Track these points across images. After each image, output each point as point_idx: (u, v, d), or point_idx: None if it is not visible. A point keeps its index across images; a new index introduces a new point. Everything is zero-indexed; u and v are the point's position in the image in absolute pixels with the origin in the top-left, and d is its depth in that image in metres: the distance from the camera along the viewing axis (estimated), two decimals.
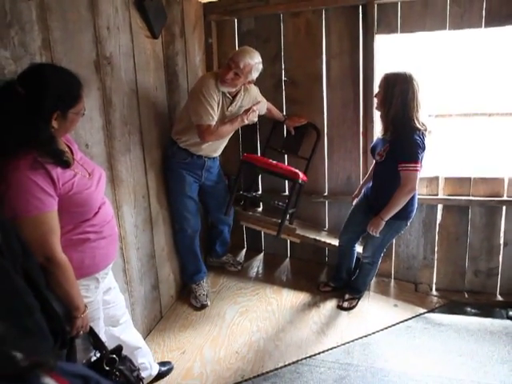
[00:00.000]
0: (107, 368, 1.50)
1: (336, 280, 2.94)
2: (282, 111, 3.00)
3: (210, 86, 2.39)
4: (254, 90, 2.70)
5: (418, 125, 2.23)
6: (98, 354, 1.55)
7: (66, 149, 1.44)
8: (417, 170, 2.26)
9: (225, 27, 3.08)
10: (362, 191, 2.70)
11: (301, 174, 2.72)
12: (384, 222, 2.40)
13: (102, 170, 1.59)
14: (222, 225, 3.02)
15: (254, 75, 2.48)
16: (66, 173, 1.35)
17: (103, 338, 1.67)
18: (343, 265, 2.89)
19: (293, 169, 2.77)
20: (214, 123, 2.39)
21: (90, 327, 1.48)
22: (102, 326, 1.66)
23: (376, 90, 2.49)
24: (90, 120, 1.87)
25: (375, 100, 2.39)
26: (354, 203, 2.75)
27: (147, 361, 2.04)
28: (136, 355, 1.94)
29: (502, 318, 2.70)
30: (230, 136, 2.65)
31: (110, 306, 1.76)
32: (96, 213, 1.47)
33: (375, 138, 2.58)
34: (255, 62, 2.41)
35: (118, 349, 1.57)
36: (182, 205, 2.63)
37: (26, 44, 1.53)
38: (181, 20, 2.72)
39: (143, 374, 1.98)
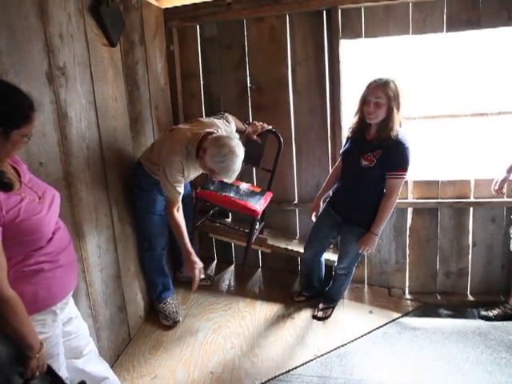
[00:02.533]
0: None
1: (309, 289, 2.89)
2: (248, 118, 2.92)
3: (175, 170, 2.16)
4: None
5: (401, 123, 2.20)
6: None
7: (11, 170, 1.31)
8: (404, 179, 2.24)
9: (186, 34, 2.99)
10: (321, 202, 2.64)
11: (258, 209, 2.63)
12: (377, 238, 2.35)
13: (56, 191, 1.46)
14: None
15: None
16: (10, 198, 1.22)
17: (64, 374, 1.53)
18: (313, 276, 2.84)
19: (249, 204, 2.63)
20: (179, 199, 2.24)
21: (48, 366, 1.35)
22: (63, 361, 1.53)
23: (344, 95, 2.46)
24: (43, 136, 1.73)
25: (370, 111, 2.18)
26: (319, 216, 2.64)
27: None
28: None
29: (473, 318, 2.73)
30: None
31: (72, 336, 1.63)
32: (50, 239, 1.34)
33: (344, 142, 2.51)
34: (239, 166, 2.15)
35: None
36: (151, 223, 2.50)
37: None
38: (140, 27, 2.60)
39: None
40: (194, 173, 2.37)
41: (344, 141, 2.71)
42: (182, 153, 2.18)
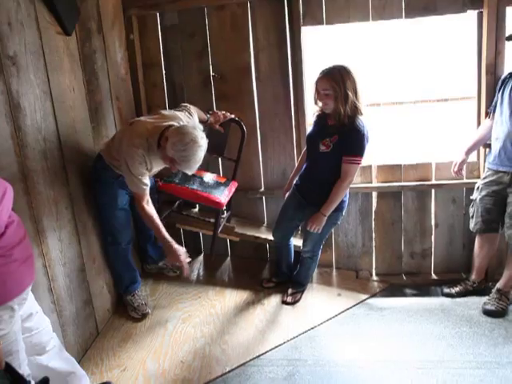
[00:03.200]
0: None
1: (278, 275, 2.92)
2: (212, 108, 2.90)
3: (138, 162, 2.12)
4: None
5: (362, 111, 2.22)
6: None
7: None
8: (359, 164, 2.28)
9: (147, 22, 2.93)
10: (292, 184, 2.67)
11: (223, 200, 2.62)
12: (325, 218, 2.38)
13: (8, 184, 1.41)
14: (150, 230, 2.84)
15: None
16: None
17: (26, 370, 1.50)
18: (282, 260, 2.87)
19: (212, 196, 2.62)
20: (146, 192, 2.20)
21: (5, 363, 1.31)
22: (24, 357, 1.49)
23: (307, 83, 2.46)
24: None
25: (321, 103, 2.26)
26: (285, 199, 2.71)
27: None
28: (70, 382, 1.78)
29: (437, 295, 2.82)
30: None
31: (33, 333, 1.59)
32: (2, 234, 1.30)
33: (309, 127, 2.54)
34: (201, 158, 2.11)
35: (44, 381, 1.41)
36: (114, 218, 2.45)
37: None
38: (97, 15, 2.53)
39: None
40: (157, 166, 2.32)
41: (308, 128, 2.76)
42: (143, 146, 2.14)
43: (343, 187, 2.32)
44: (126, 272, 2.64)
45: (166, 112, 2.35)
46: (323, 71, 2.22)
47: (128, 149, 2.13)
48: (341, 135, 2.26)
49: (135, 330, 2.52)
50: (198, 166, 2.12)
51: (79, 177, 2.30)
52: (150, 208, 2.23)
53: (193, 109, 2.49)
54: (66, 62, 2.20)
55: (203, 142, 2.09)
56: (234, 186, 2.80)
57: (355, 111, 2.21)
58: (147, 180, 2.21)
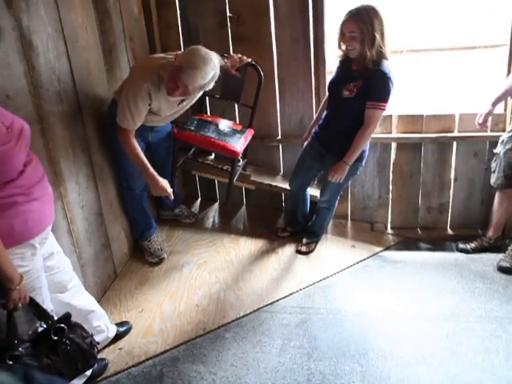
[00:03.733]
0: (55, 338, 1.39)
1: (293, 225, 2.92)
2: (228, 51, 2.78)
3: (140, 96, 2.05)
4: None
5: (387, 54, 2.12)
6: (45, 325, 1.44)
7: None
8: (383, 110, 2.18)
9: None
10: (311, 133, 2.60)
11: (239, 149, 2.54)
12: (348, 167, 2.32)
13: (24, 123, 1.38)
14: (166, 178, 2.82)
15: (211, 85, 2.12)
16: None
17: (50, 306, 1.55)
18: (298, 210, 2.86)
19: (228, 144, 2.53)
20: (133, 130, 2.13)
21: (30, 298, 1.35)
22: (47, 294, 1.53)
23: (328, 25, 2.32)
24: (7, 66, 1.61)
25: (346, 45, 2.14)
26: (303, 148, 2.65)
27: (103, 323, 1.95)
28: (90, 319, 1.85)
29: (452, 251, 2.81)
30: (185, 109, 2.41)
31: (55, 271, 1.62)
32: (21, 172, 1.29)
33: (333, 72, 2.42)
34: (208, 78, 2.02)
35: (66, 316, 1.46)
36: (129, 164, 2.38)
37: None
38: None
39: (100, 337, 1.91)
40: (168, 107, 2.24)
41: (328, 75, 2.65)
42: (153, 79, 2.06)
43: (367, 134, 2.24)
44: (141, 218, 2.66)
45: None
46: (350, 12, 2.08)
47: (135, 80, 2.08)
48: (365, 79, 2.16)
49: (152, 274, 2.58)
50: (203, 81, 2.01)
51: (95, 121, 2.26)
52: (134, 143, 2.17)
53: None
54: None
55: (215, 60, 2.03)
56: (250, 133, 2.74)
57: (381, 55, 2.10)
58: (139, 121, 2.14)
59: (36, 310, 1.38)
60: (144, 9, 2.80)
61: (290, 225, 2.94)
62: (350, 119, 2.29)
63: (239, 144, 2.59)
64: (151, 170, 2.21)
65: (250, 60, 2.63)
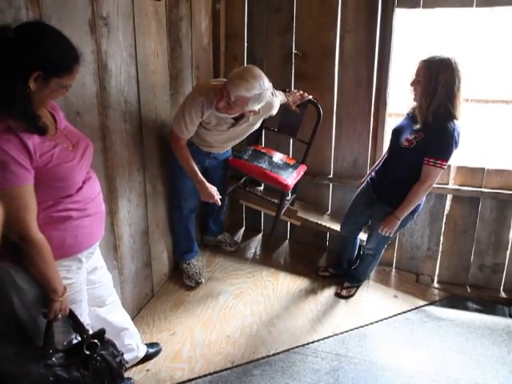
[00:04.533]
0: (87, 352, 1.41)
1: (336, 268, 2.85)
2: (289, 87, 2.82)
3: (194, 108, 2.13)
4: (271, 106, 2.34)
5: (458, 114, 2.04)
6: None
7: (48, 116, 1.31)
8: (442, 168, 2.10)
9: None
10: (367, 180, 2.54)
11: (290, 183, 2.54)
12: (399, 222, 2.25)
13: (90, 142, 1.45)
14: (214, 205, 2.86)
15: (255, 106, 2.10)
16: (44, 143, 1.22)
17: (86, 319, 1.58)
18: (345, 254, 2.78)
19: (280, 177, 2.53)
20: (185, 138, 2.24)
21: (70, 310, 1.38)
22: (86, 307, 1.57)
23: (393, 69, 2.32)
24: (82, 86, 1.72)
25: (411, 88, 2.13)
26: (357, 193, 2.59)
27: (134, 342, 1.96)
28: (123, 336, 1.87)
29: (504, 315, 2.62)
30: (245, 135, 2.47)
31: (96, 286, 1.67)
32: (79, 188, 1.35)
33: (401, 119, 2.36)
34: (253, 94, 2.00)
35: (101, 333, 1.48)
36: (182, 185, 2.49)
37: None
38: None
39: (129, 356, 1.92)
40: (219, 124, 2.28)
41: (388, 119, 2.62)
42: (208, 96, 2.14)
43: (421, 190, 2.16)
44: (184, 239, 2.70)
45: None
46: (423, 58, 2.06)
47: (193, 95, 2.20)
48: (427, 134, 2.09)
49: (188, 298, 2.58)
50: (247, 93, 1.99)
51: (154, 141, 2.35)
52: (186, 150, 2.27)
53: (278, 92, 2.45)
54: (153, 27, 2.22)
55: (266, 83, 2.06)
56: (302, 169, 2.73)
57: (446, 112, 2.03)
58: (191, 129, 2.22)
59: (74, 322, 1.41)
60: (213, 39, 2.92)
61: (333, 267, 2.87)
62: (405, 170, 2.22)
63: (291, 178, 2.59)
64: (200, 176, 2.31)
65: (310, 97, 2.66)
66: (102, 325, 1.69)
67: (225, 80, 2.18)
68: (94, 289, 1.66)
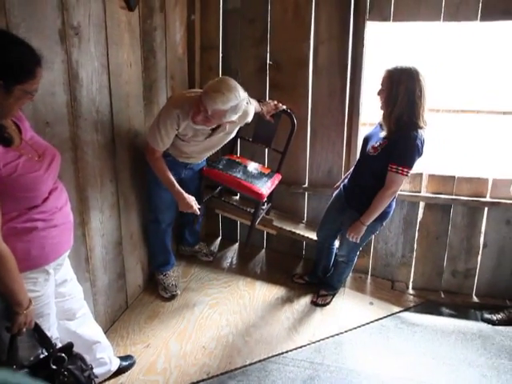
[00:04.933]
0: (54, 367, 1.38)
1: (311, 277, 2.86)
2: (264, 97, 2.85)
3: (169, 120, 2.13)
4: (247, 114, 2.33)
5: (422, 123, 2.08)
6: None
7: (12, 127, 1.29)
8: (406, 175, 2.14)
9: (209, 4, 2.90)
10: (340, 187, 2.58)
11: (264, 192, 2.56)
12: (365, 228, 2.28)
13: (56, 152, 1.44)
14: (191, 215, 2.85)
15: (232, 117, 2.12)
16: (8, 153, 1.21)
17: (55, 333, 1.55)
18: (320, 262, 2.80)
19: (254, 187, 2.56)
20: (160, 150, 2.22)
21: (35, 323, 1.35)
22: (54, 321, 1.54)
23: (365, 80, 2.37)
24: (51, 95, 1.70)
25: (378, 98, 2.19)
26: (331, 199, 2.62)
27: (107, 355, 1.92)
28: (94, 350, 1.84)
29: (476, 320, 2.67)
30: (222, 145, 2.47)
31: (66, 298, 1.64)
32: (45, 199, 1.33)
33: (372, 128, 2.40)
34: (229, 106, 2.02)
35: (68, 346, 1.45)
36: (159, 198, 2.47)
37: None
38: None
39: (102, 370, 1.89)
40: (195, 136, 2.28)
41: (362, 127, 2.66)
42: (183, 108, 2.13)
43: (385, 196, 2.19)
44: (161, 252, 2.67)
45: None
46: (389, 67, 2.11)
47: (168, 107, 2.20)
48: (391, 141, 2.14)
49: (163, 309, 2.55)
50: (223, 106, 2.00)
51: (127, 151, 2.33)
52: (162, 162, 2.26)
53: (252, 100, 2.47)
54: (126, 37, 2.22)
55: (242, 93, 2.07)
56: (277, 178, 2.75)
57: (409, 120, 2.08)
58: (167, 141, 2.21)
59: (39, 336, 1.38)
60: (188, 50, 2.92)
61: (309, 275, 2.88)
62: (371, 177, 2.26)
63: (265, 187, 2.60)
64: (178, 186, 2.30)
65: (284, 107, 2.69)
66: (73, 338, 1.65)
67: (200, 91, 2.20)
68: (64, 302, 1.63)
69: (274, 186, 2.70)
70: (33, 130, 1.46)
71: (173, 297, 2.64)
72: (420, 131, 2.10)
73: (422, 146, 2.11)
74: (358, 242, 2.36)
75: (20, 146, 1.28)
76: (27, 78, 1.21)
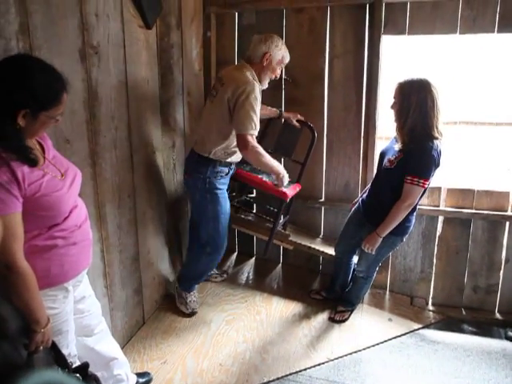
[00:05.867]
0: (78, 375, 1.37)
1: (329, 292, 2.82)
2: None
3: (258, 96, 2.22)
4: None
5: (436, 134, 2.07)
6: None
7: (36, 146, 1.31)
8: (423, 187, 2.11)
9: (224, 21, 2.94)
10: (359, 201, 2.56)
11: (288, 193, 2.56)
12: (380, 239, 2.26)
13: (78, 170, 1.45)
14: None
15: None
16: (33, 172, 1.22)
17: (73, 350, 1.54)
18: (338, 277, 2.76)
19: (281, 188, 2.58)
20: (256, 133, 2.24)
21: (52, 342, 1.35)
22: (72, 338, 1.53)
23: (381, 93, 2.37)
24: (71, 113, 1.73)
25: (392, 111, 2.20)
26: (349, 214, 2.60)
27: (124, 372, 1.90)
28: (112, 366, 1.82)
29: (500, 337, 2.59)
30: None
31: (84, 315, 1.63)
32: (66, 217, 1.34)
33: (388, 142, 2.40)
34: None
35: (84, 366, 1.43)
36: (225, 225, 2.46)
37: (1, 27, 1.39)
38: (178, 10, 2.58)
39: None
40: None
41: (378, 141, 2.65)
42: (253, 78, 2.26)
43: (401, 208, 2.16)
44: (199, 278, 2.68)
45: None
46: (401, 80, 2.13)
47: (252, 84, 2.19)
48: (406, 153, 2.13)
49: (179, 325, 2.54)
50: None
51: (144, 166, 2.35)
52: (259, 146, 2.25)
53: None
54: (144, 55, 2.26)
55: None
56: (298, 186, 2.76)
57: (423, 132, 2.07)
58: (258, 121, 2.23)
59: (56, 354, 1.37)
60: (204, 66, 2.97)
61: (326, 290, 2.84)
62: (389, 191, 2.23)
63: (289, 189, 2.62)
64: (277, 166, 2.38)
65: (303, 118, 2.72)
66: (90, 355, 1.66)
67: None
68: (82, 318, 1.63)
69: (295, 192, 2.70)
70: (54, 147, 1.48)
71: (193, 313, 2.63)
72: (436, 142, 2.08)
73: (439, 157, 2.09)
74: (376, 253, 2.34)
75: (43, 164, 1.30)
76: (52, 106, 1.23)
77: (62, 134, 1.68)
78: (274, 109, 2.74)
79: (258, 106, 2.20)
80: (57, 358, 1.37)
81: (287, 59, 2.38)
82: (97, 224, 1.94)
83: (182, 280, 2.67)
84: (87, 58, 1.80)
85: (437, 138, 2.08)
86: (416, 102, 2.04)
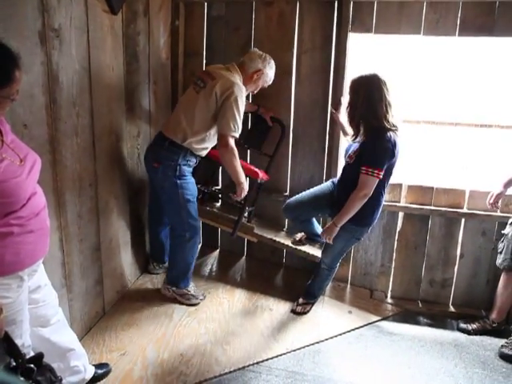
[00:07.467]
0: (22, 378, 1.33)
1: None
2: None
3: (244, 99, 2.32)
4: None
5: (388, 126, 2.13)
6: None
7: None
8: (377, 177, 2.17)
9: (194, 10, 2.91)
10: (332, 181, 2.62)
11: (260, 174, 2.61)
12: (337, 229, 2.31)
13: (37, 156, 1.41)
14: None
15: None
16: None
17: (28, 341, 1.50)
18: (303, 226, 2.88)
19: (252, 167, 2.65)
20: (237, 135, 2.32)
21: (5, 332, 1.31)
22: (27, 328, 1.49)
23: (347, 90, 2.41)
24: (30, 97, 1.67)
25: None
26: (324, 185, 2.64)
27: (81, 363, 1.87)
28: (68, 358, 1.78)
29: (452, 329, 2.70)
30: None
31: (40, 305, 1.59)
32: (24, 204, 1.30)
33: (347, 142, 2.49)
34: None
35: (38, 357, 1.39)
36: (195, 210, 2.51)
37: None
38: None
39: (75, 378, 1.84)
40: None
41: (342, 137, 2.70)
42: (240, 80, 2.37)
43: (356, 198, 2.21)
44: (191, 266, 2.67)
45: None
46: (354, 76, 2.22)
47: (242, 87, 2.31)
48: (361, 146, 2.21)
49: (140, 316, 2.51)
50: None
51: (107, 155, 2.31)
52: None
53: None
54: (109, 41, 2.20)
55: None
56: (267, 174, 2.82)
57: (376, 123, 2.14)
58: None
59: (8, 345, 1.33)
60: (172, 55, 2.92)
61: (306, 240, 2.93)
62: (352, 184, 2.27)
63: (260, 172, 2.70)
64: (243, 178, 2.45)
65: (272, 114, 2.77)
66: (46, 346, 1.62)
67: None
68: (38, 308, 1.58)
69: (265, 178, 2.77)
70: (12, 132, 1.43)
71: (204, 297, 2.71)
72: (390, 133, 2.14)
73: (393, 148, 2.15)
74: (338, 244, 2.40)
75: (1, 149, 1.25)
76: (6, 83, 1.19)
77: (19, 118, 1.62)
78: (254, 105, 2.83)
79: (242, 110, 2.29)
80: (9, 348, 1.33)
81: (270, 82, 2.54)
82: (56, 212, 1.89)
83: (176, 280, 2.65)
84: (47, 41, 1.74)
85: (390, 130, 2.14)
86: (363, 95, 2.12)
